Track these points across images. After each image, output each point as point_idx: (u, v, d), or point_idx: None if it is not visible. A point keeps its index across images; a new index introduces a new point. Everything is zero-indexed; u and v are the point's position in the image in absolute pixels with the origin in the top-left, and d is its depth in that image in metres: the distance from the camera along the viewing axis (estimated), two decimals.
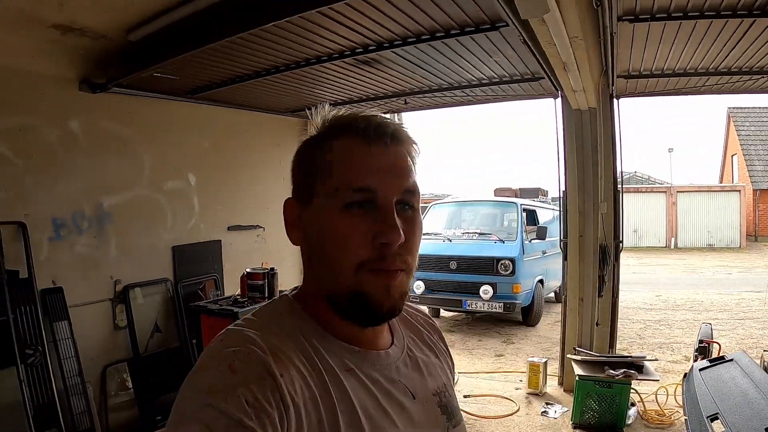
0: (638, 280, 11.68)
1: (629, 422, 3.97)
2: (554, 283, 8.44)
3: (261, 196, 5.16)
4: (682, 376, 3.26)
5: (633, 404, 4.17)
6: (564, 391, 4.69)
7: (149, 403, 3.91)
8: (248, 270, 4.23)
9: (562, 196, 4.76)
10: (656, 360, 4.29)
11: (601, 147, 4.38)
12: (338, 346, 0.70)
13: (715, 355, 4.62)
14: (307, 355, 0.66)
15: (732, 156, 22.66)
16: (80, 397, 3.43)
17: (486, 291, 7.08)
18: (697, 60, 3.87)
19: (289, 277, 5.48)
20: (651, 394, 4.23)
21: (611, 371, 3.89)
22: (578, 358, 4.14)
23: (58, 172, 3.55)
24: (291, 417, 0.58)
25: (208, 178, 4.73)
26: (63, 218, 3.59)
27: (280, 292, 3.60)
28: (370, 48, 3.29)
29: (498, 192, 10.41)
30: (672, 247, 18.95)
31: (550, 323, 7.65)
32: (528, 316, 7.70)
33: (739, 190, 19.36)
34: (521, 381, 4.90)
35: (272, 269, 4.17)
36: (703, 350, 4.39)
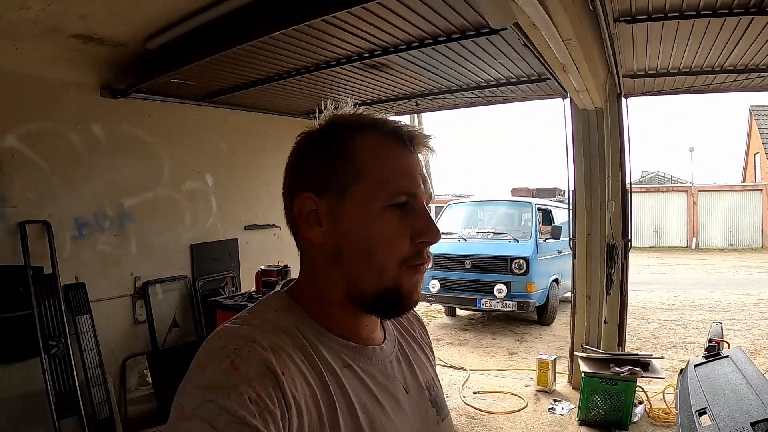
0: (657, 280, 11.54)
1: (635, 420, 3.99)
2: (569, 282, 8.39)
3: (277, 196, 5.21)
4: (678, 372, 3.28)
5: (640, 402, 4.19)
6: (573, 388, 4.72)
7: (167, 395, 4.08)
8: (262, 267, 4.37)
9: (570, 195, 4.80)
10: (662, 358, 4.28)
11: (608, 146, 4.40)
12: (335, 342, 0.71)
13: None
14: (305, 352, 0.66)
15: (755, 155, 22.10)
16: (100, 388, 3.61)
17: (500, 290, 7.11)
18: (701, 58, 3.87)
19: None
20: (658, 393, 4.23)
21: (616, 368, 3.92)
22: (584, 355, 4.18)
23: (80, 174, 3.74)
24: (293, 415, 0.59)
25: (226, 178, 4.89)
26: (85, 217, 3.78)
27: None
28: (376, 53, 3.39)
29: (515, 192, 10.43)
30: (693, 247, 18.59)
31: (565, 322, 7.62)
32: (543, 315, 7.71)
33: (761, 189, 18.92)
34: (531, 378, 4.94)
35: (285, 266, 4.31)
36: (712, 349, 4.36)
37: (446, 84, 4.48)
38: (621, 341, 4.64)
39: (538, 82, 4.35)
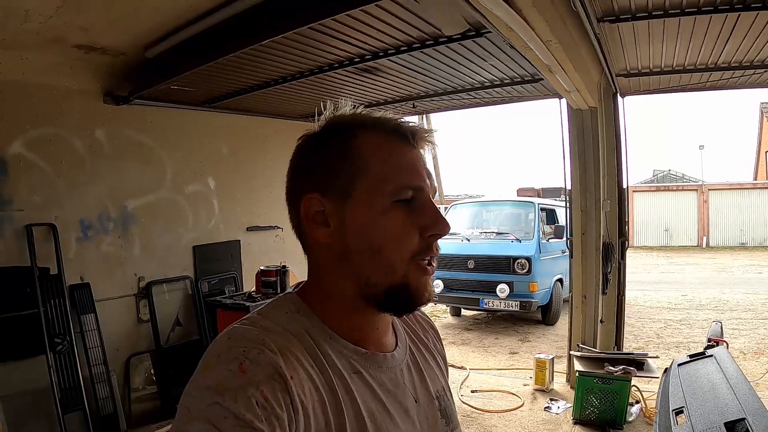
0: (666, 279, 11.46)
1: (631, 419, 4.00)
2: None
3: (279, 199, 5.29)
4: (662, 371, 3.29)
5: (637, 402, 4.20)
6: (570, 387, 4.73)
7: (170, 392, 4.20)
8: (262, 267, 4.47)
9: (567, 194, 4.83)
10: (657, 357, 4.28)
11: (604, 145, 4.42)
12: (345, 347, 0.70)
13: None
14: (314, 356, 0.66)
15: (766, 152, 21.73)
16: (104, 384, 3.74)
17: (502, 290, 7.15)
18: (693, 56, 3.88)
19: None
20: (655, 392, 4.23)
21: (610, 368, 3.94)
22: (579, 354, 4.21)
23: (85, 178, 3.87)
24: (300, 420, 0.58)
25: (227, 181, 5.00)
26: (90, 220, 3.91)
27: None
28: (367, 57, 3.47)
29: (521, 192, 10.44)
30: (703, 246, 18.35)
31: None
32: (546, 315, 7.72)
33: None
34: (530, 378, 4.97)
35: (284, 267, 4.40)
36: (710, 348, 4.38)
37: (442, 86, 4.54)
38: (618, 341, 4.65)
39: (533, 83, 4.38)
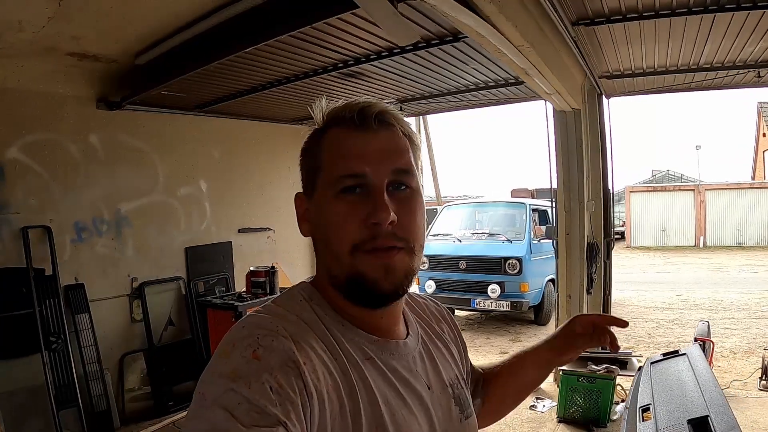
0: (662, 279, 11.49)
1: (615, 418, 4.04)
2: None
3: (271, 201, 5.53)
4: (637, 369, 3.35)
5: (623, 400, 4.26)
6: (557, 386, 4.81)
7: (162, 389, 4.30)
8: (252, 268, 4.57)
9: (554, 195, 4.90)
10: (641, 356, 4.35)
11: (588, 146, 4.50)
12: (357, 334, 0.70)
13: (710, 353, 4.66)
14: (328, 343, 0.67)
15: (764, 152, 21.70)
16: (98, 382, 3.85)
17: (494, 290, 7.21)
18: (673, 58, 3.97)
19: (301, 276, 5.77)
20: None
21: (593, 366, 4.01)
22: None
23: (79, 181, 3.98)
24: (314, 404, 0.59)
25: (220, 184, 5.11)
26: (84, 222, 4.02)
27: (281, 289, 3.89)
28: (350, 63, 3.58)
29: (515, 192, 10.47)
30: (701, 246, 18.35)
31: None
32: (538, 315, 7.77)
33: None
34: None
35: (272, 267, 4.50)
36: (686, 347, 4.44)
37: (428, 89, 4.64)
38: None
39: (516, 85, 4.47)
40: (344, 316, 0.71)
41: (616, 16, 3.15)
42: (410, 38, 2.36)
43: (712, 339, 4.77)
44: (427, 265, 7.73)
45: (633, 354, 4.21)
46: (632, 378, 4.12)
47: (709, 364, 4.64)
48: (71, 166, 3.94)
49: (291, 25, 2.76)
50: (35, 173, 3.73)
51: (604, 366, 4.01)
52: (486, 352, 6.43)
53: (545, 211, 8.50)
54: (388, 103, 0.72)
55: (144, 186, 4.45)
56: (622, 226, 19.75)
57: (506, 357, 1.03)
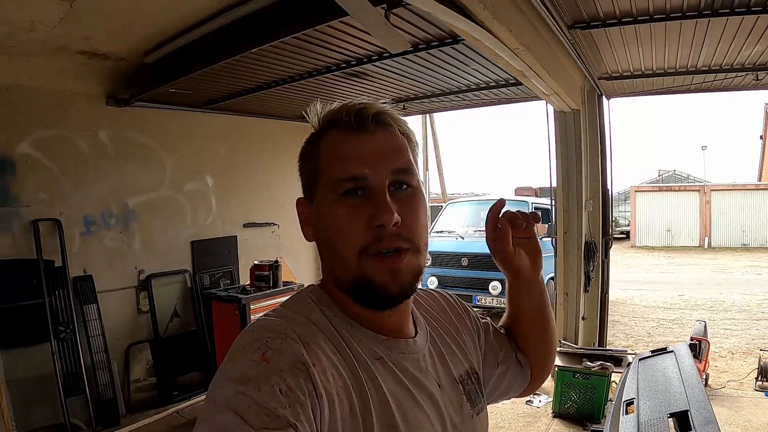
0: (665, 279, 11.49)
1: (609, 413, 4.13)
2: None
3: (276, 196, 5.62)
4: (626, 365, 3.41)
5: None
6: (554, 382, 4.88)
7: (168, 379, 4.42)
8: (256, 262, 4.67)
9: (553, 194, 4.96)
10: (635, 354, 4.40)
11: (587, 147, 4.55)
12: (365, 335, 0.70)
13: (705, 353, 4.72)
14: (337, 344, 0.67)
15: None
16: (105, 371, 3.97)
17: (495, 287, 7.28)
18: (672, 60, 4.02)
19: (305, 271, 5.93)
20: None
21: (588, 363, 4.08)
22: (559, 349, 4.35)
23: (88, 176, 4.10)
24: (324, 406, 0.59)
25: (225, 179, 5.21)
26: (93, 216, 4.14)
27: (284, 283, 3.97)
28: (352, 63, 3.66)
29: (519, 191, 10.51)
30: (705, 246, 18.27)
31: None
32: None
33: None
34: None
35: (276, 262, 4.59)
36: (693, 348, 4.49)
37: (430, 89, 4.71)
38: (601, 338, 4.79)
39: (517, 86, 4.52)
40: (353, 317, 0.71)
41: (611, 20, 3.21)
42: (401, 46, 2.46)
43: (708, 339, 4.83)
44: (429, 262, 7.81)
45: (628, 352, 4.27)
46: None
47: (705, 364, 4.72)
48: (81, 161, 4.05)
49: (294, 28, 2.85)
50: (46, 168, 3.84)
51: (599, 363, 4.08)
52: None
53: (547, 210, 8.55)
54: (384, 103, 0.73)
55: (151, 181, 4.55)
56: (628, 225, 19.74)
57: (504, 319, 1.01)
